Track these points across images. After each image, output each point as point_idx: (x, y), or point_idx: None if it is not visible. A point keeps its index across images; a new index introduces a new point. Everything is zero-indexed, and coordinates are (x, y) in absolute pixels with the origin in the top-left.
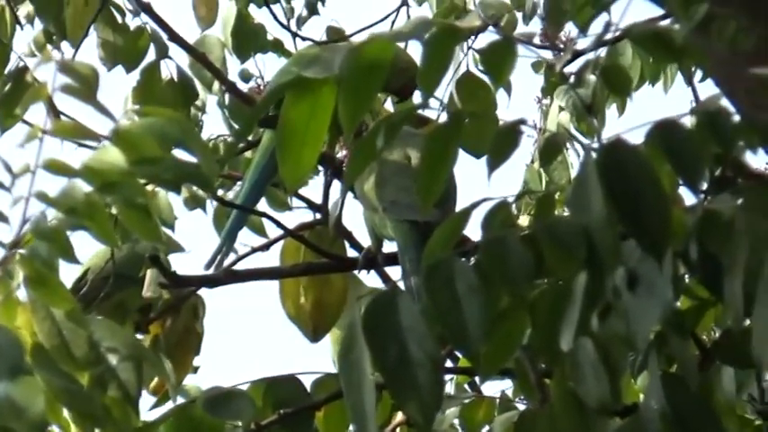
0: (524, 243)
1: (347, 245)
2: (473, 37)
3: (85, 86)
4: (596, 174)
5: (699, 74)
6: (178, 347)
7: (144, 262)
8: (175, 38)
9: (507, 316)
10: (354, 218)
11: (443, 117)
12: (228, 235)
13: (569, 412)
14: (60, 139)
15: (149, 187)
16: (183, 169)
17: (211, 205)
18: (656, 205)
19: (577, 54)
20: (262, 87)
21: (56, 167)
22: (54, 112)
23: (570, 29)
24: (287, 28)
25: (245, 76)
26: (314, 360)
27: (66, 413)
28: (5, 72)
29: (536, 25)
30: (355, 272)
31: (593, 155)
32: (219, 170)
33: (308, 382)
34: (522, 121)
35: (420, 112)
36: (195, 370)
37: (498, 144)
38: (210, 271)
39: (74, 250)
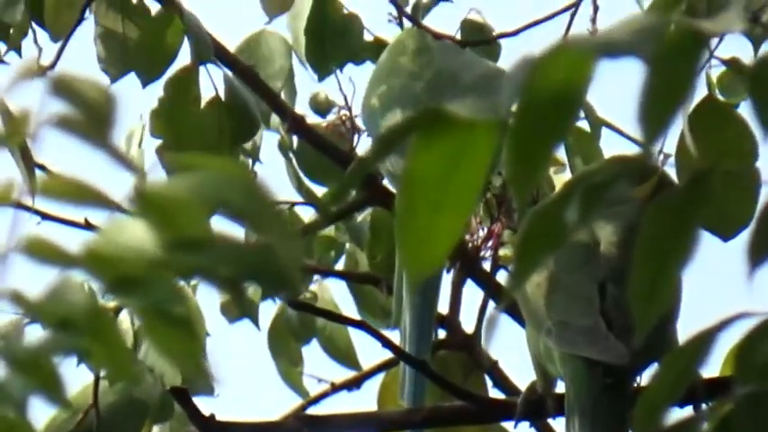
0: None
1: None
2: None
3: (94, 118)
4: None
5: None
6: None
7: (144, 413)
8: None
9: None
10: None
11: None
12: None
13: None
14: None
15: None
16: (252, 259)
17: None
18: None
19: None
20: (347, 122)
21: (43, 251)
22: (28, 163)
23: None
24: (407, 17)
25: (320, 106)
26: None
27: None
28: None
29: None
30: (506, 424)
31: None
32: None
33: None
34: None
35: None
36: None
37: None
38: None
39: (63, 386)
